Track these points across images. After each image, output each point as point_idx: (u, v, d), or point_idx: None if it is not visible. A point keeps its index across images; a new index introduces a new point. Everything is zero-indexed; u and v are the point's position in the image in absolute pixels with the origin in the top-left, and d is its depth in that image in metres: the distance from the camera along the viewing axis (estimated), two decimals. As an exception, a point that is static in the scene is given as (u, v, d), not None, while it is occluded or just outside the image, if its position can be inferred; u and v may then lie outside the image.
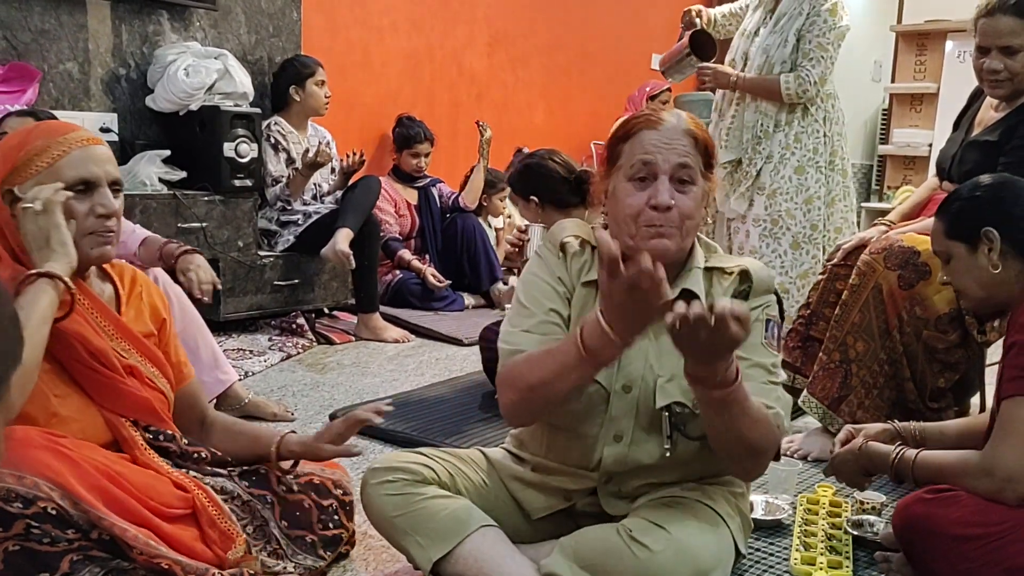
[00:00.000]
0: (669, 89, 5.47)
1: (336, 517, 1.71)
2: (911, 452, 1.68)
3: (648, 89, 5.50)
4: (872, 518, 1.91)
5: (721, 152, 3.20)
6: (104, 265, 1.58)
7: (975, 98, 2.54)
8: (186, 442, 1.60)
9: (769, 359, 1.53)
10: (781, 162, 3.16)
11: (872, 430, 1.82)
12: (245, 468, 1.67)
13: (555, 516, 1.65)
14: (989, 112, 2.43)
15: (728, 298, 1.49)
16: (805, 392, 2.42)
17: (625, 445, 1.54)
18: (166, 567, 1.34)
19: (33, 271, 1.38)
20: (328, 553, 1.68)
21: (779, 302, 1.63)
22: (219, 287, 2.24)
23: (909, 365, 2.29)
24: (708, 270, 1.56)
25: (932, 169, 2.66)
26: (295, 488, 1.67)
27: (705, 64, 3.24)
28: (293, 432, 1.74)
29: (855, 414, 2.31)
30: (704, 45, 3.21)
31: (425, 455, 1.64)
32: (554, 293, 1.56)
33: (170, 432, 1.58)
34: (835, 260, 2.53)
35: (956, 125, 2.57)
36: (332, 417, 2.60)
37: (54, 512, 1.28)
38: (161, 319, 1.66)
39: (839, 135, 3.20)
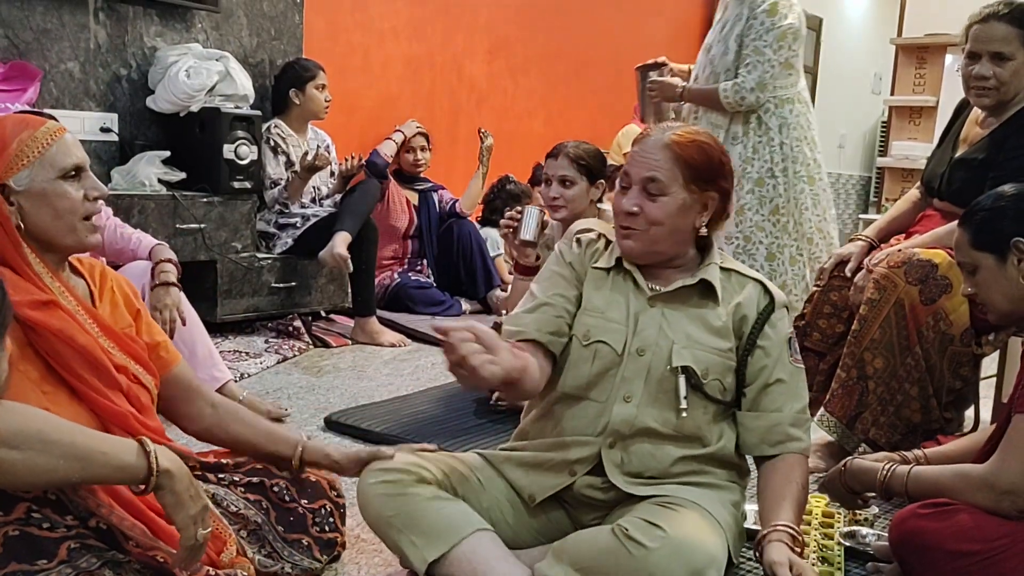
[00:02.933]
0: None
1: (331, 520, 1.71)
2: (903, 468, 1.67)
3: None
4: (864, 529, 1.90)
5: None
6: (72, 260, 1.56)
7: (960, 112, 2.52)
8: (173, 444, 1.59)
9: (797, 377, 1.69)
10: (744, 176, 3.09)
11: (871, 457, 1.81)
12: (240, 471, 1.66)
13: (553, 513, 1.67)
14: (974, 128, 2.41)
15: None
16: (822, 410, 2.35)
17: (634, 406, 1.61)
18: (161, 560, 1.33)
19: (142, 439, 1.30)
20: (324, 555, 1.68)
21: None
22: (180, 323, 2.37)
23: (932, 382, 2.22)
24: (726, 270, 1.71)
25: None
26: (287, 499, 1.66)
27: (653, 80, 3.24)
28: (309, 438, 1.75)
29: (869, 431, 2.26)
30: (649, 67, 3.32)
31: (422, 456, 1.64)
32: (562, 279, 1.71)
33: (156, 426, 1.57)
34: (821, 283, 2.49)
35: (941, 140, 2.55)
36: (327, 421, 2.60)
37: (53, 497, 1.28)
38: (135, 309, 1.63)
39: (799, 140, 3.09)
